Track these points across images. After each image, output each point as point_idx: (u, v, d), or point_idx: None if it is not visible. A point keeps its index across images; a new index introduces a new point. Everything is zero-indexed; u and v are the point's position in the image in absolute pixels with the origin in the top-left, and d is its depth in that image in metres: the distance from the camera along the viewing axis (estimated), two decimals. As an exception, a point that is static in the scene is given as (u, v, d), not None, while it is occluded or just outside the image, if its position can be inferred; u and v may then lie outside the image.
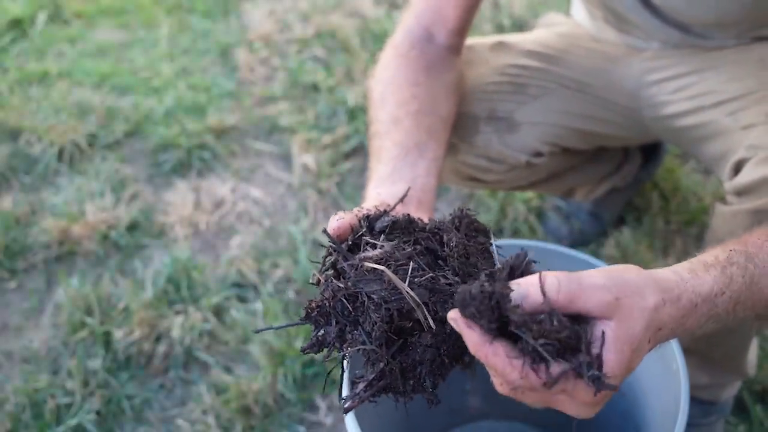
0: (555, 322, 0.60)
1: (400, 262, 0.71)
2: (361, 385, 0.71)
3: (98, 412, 1.40)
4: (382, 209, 0.80)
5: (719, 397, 1.23)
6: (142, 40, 2.38)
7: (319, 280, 0.74)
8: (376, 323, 0.68)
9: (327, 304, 0.71)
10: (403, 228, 0.77)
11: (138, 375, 1.47)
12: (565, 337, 0.61)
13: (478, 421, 1.21)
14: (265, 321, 1.52)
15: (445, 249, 0.74)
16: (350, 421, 0.83)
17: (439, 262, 0.74)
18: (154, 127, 2.02)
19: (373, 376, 0.70)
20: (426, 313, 0.68)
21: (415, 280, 0.69)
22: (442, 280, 0.71)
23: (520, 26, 2.27)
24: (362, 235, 0.76)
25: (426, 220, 0.82)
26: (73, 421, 1.37)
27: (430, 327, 0.69)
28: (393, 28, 2.25)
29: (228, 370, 1.46)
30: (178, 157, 1.93)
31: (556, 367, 0.61)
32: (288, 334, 1.48)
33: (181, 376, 1.47)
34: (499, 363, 0.61)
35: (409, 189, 0.88)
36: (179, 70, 2.24)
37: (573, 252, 1.03)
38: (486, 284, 0.61)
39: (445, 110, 1.05)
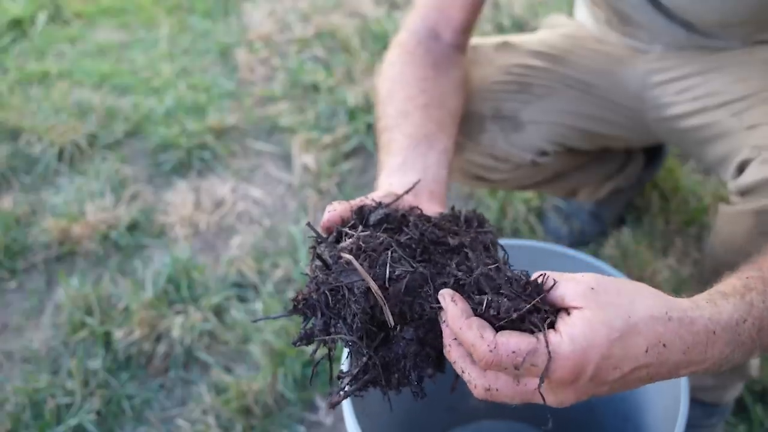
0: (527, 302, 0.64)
1: (378, 253, 0.69)
2: (346, 380, 0.71)
3: (98, 412, 1.40)
4: (381, 201, 0.79)
5: (722, 399, 1.23)
6: (142, 40, 2.38)
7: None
8: (356, 314, 0.67)
9: (312, 297, 0.70)
10: (397, 221, 0.76)
11: (138, 375, 1.47)
12: (533, 313, 0.64)
13: (478, 421, 1.21)
14: (265, 321, 1.52)
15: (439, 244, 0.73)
16: (350, 421, 0.83)
17: (425, 256, 0.72)
18: (154, 127, 2.02)
19: (357, 370, 0.70)
20: (388, 310, 0.67)
21: (395, 273, 0.68)
22: (423, 272, 0.69)
23: (520, 26, 2.26)
24: (352, 226, 0.75)
25: (438, 212, 0.82)
26: (73, 421, 1.37)
27: (392, 324, 0.67)
28: (393, 28, 2.27)
29: (228, 370, 1.46)
30: (178, 157, 1.93)
31: (523, 338, 0.62)
32: (288, 334, 1.48)
33: (181, 376, 1.47)
34: (471, 336, 0.62)
35: (419, 180, 0.87)
36: (179, 70, 2.24)
37: (573, 252, 1.03)
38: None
39: (453, 105, 1.05)
